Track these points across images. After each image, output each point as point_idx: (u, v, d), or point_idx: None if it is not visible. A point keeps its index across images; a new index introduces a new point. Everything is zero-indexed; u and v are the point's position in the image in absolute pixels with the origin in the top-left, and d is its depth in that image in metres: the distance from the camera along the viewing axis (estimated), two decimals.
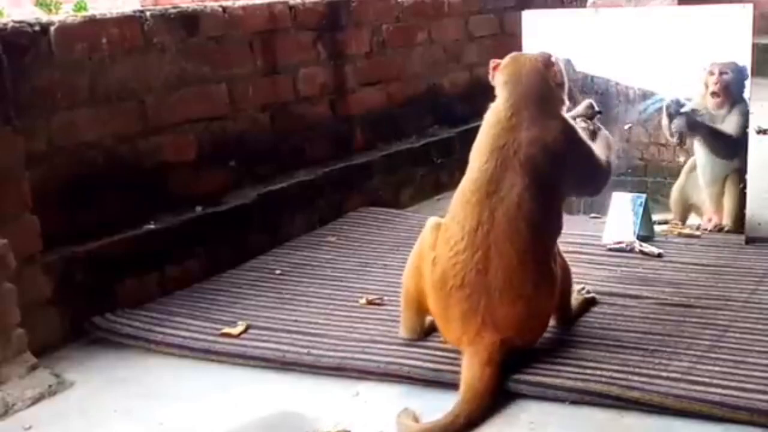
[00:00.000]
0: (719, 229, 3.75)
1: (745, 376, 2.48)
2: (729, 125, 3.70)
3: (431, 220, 2.76)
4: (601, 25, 3.94)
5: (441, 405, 2.43)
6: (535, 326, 2.66)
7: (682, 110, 3.77)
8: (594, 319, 2.93)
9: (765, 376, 2.48)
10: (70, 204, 3.11)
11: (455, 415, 2.37)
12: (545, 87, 2.75)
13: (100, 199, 3.22)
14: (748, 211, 3.68)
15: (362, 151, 4.44)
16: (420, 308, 2.76)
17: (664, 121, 3.81)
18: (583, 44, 3.83)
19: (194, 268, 3.44)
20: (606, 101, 3.78)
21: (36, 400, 2.64)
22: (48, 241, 2.95)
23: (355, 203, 4.25)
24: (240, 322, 3.00)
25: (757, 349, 2.66)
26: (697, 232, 3.75)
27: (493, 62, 2.85)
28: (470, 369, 2.48)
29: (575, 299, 2.93)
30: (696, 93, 3.77)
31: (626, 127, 3.88)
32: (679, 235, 3.74)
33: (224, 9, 3.72)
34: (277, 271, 3.50)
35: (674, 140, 3.82)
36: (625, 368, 2.55)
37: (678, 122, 3.77)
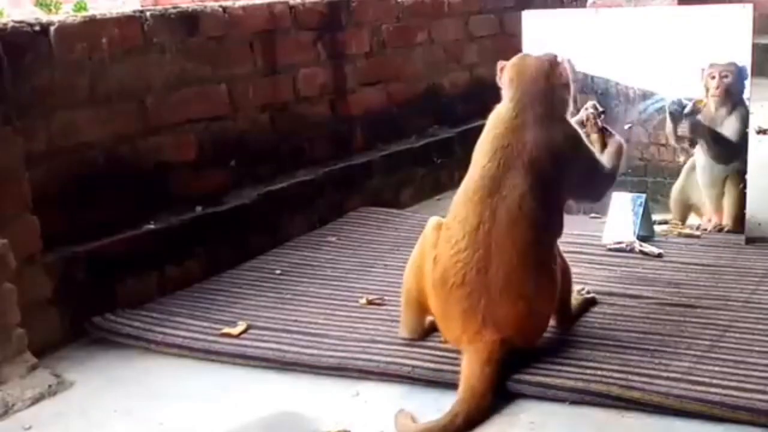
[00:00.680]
0: (719, 229, 3.76)
1: (745, 376, 2.48)
2: (728, 128, 3.70)
3: (433, 220, 2.77)
4: (601, 25, 3.94)
5: (441, 405, 2.43)
6: (536, 326, 2.66)
7: (686, 111, 3.77)
8: (594, 319, 2.93)
9: (765, 376, 2.48)
10: (70, 204, 3.11)
11: (454, 414, 2.37)
12: (550, 88, 2.75)
13: (100, 199, 3.22)
14: (748, 211, 3.68)
15: (362, 151, 4.44)
16: (420, 308, 2.76)
17: (668, 126, 3.81)
18: (583, 44, 3.83)
19: (194, 268, 3.45)
20: (606, 101, 3.78)
21: (36, 400, 2.64)
22: (48, 241, 2.95)
23: (355, 203, 4.25)
24: (240, 322, 3.00)
25: (757, 349, 2.66)
26: (697, 232, 3.75)
27: (500, 63, 2.85)
28: (470, 368, 2.48)
29: (575, 299, 2.93)
30: (696, 94, 3.77)
31: (626, 127, 3.88)
32: (679, 235, 3.74)
33: (224, 9, 3.72)
34: (277, 271, 3.50)
35: (679, 144, 3.82)
36: (625, 368, 2.55)
37: (684, 126, 3.76)
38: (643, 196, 3.72)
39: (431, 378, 2.61)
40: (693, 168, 3.84)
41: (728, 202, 3.74)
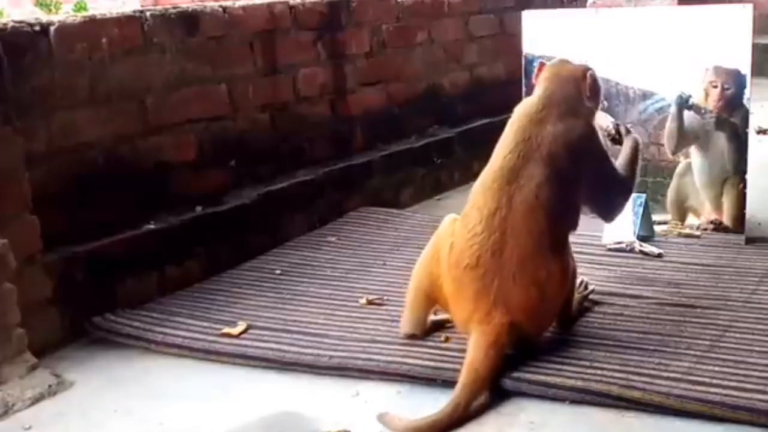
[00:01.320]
0: (717, 224, 3.75)
1: (745, 376, 2.49)
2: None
3: (449, 216, 2.83)
4: (601, 25, 3.94)
5: (441, 404, 2.43)
6: (545, 313, 2.69)
7: (691, 101, 3.78)
8: (594, 319, 2.93)
9: (765, 376, 2.48)
10: (70, 204, 3.11)
11: (456, 403, 2.41)
12: (578, 92, 2.84)
13: (100, 199, 3.22)
14: (748, 211, 3.68)
15: (362, 151, 4.44)
16: (427, 301, 2.80)
17: (671, 123, 3.80)
18: (583, 44, 3.83)
19: (194, 268, 3.45)
20: (606, 101, 3.77)
21: (36, 400, 2.64)
22: (48, 241, 2.95)
23: (355, 203, 4.25)
24: (240, 322, 3.00)
25: (757, 349, 2.66)
26: (697, 233, 3.75)
27: (538, 62, 2.97)
28: (475, 351, 2.51)
29: (574, 298, 2.93)
30: (696, 94, 3.77)
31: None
32: (679, 235, 3.74)
33: (224, 9, 3.72)
34: (277, 271, 3.50)
35: (678, 150, 3.82)
36: (625, 368, 2.55)
37: (693, 122, 3.76)
38: (643, 196, 3.72)
39: (431, 377, 2.61)
40: (686, 171, 3.84)
41: (728, 202, 3.74)
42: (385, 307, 3.11)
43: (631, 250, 3.54)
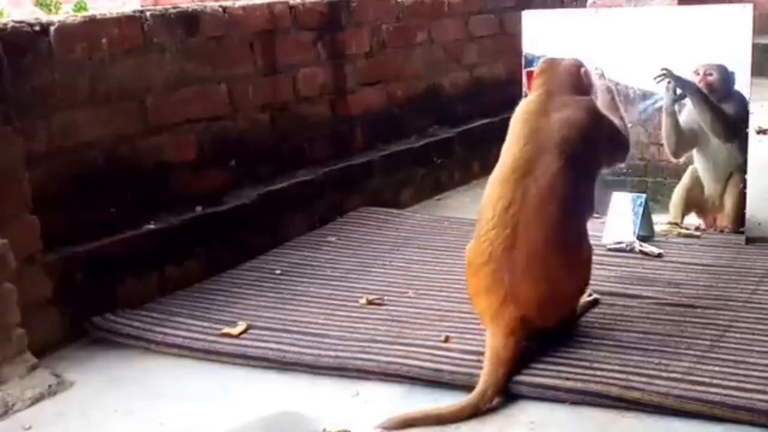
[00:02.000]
0: (721, 230, 3.75)
1: (745, 376, 2.48)
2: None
3: None
4: (601, 25, 3.94)
5: (441, 405, 2.43)
6: (557, 307, 2.72)
7: (679, 93, 3.80)
8: (594, 319, 2.93)
9: (765, 376, 2.48)
10: (70, 204, 3.11)
11: (483, 390, 2.45)
12: (576, 80, 2.93)
13: (100, 199, 3.22)
14: (748, 211, 3.68)
15: (362, 151, 4.44)
16: None
17: (665, 119, 3.81)
18: (583, 44, 3.82)
19: (194, 268, 3.45)
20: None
21: (36, 400, 2.64)
22: (48, 241, 2.95)
23: (355, 203, 4.25)
24: (240, 322, 3.00)
25: (757, 349, 2.66)
26: (697, 233, 3.75)
27: (527, 71, 3.04)
28: (494, 340, 2.57)
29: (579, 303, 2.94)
30: None
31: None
32: (679, 235, 3.74)
33: (224, 9, 3.72)
34: (277, 271, 3.50)
35: (679, 155, 3.83)
36: (625, 368, 2.55)
37: (686, 113, 3.78)
38: (643, 196, 3.72)
39: (431, 377, 2.61)
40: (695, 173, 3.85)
41: (729, 202, 3.74)
42: (385, 307, 3.10)
43: (631, 250, 3.54)
